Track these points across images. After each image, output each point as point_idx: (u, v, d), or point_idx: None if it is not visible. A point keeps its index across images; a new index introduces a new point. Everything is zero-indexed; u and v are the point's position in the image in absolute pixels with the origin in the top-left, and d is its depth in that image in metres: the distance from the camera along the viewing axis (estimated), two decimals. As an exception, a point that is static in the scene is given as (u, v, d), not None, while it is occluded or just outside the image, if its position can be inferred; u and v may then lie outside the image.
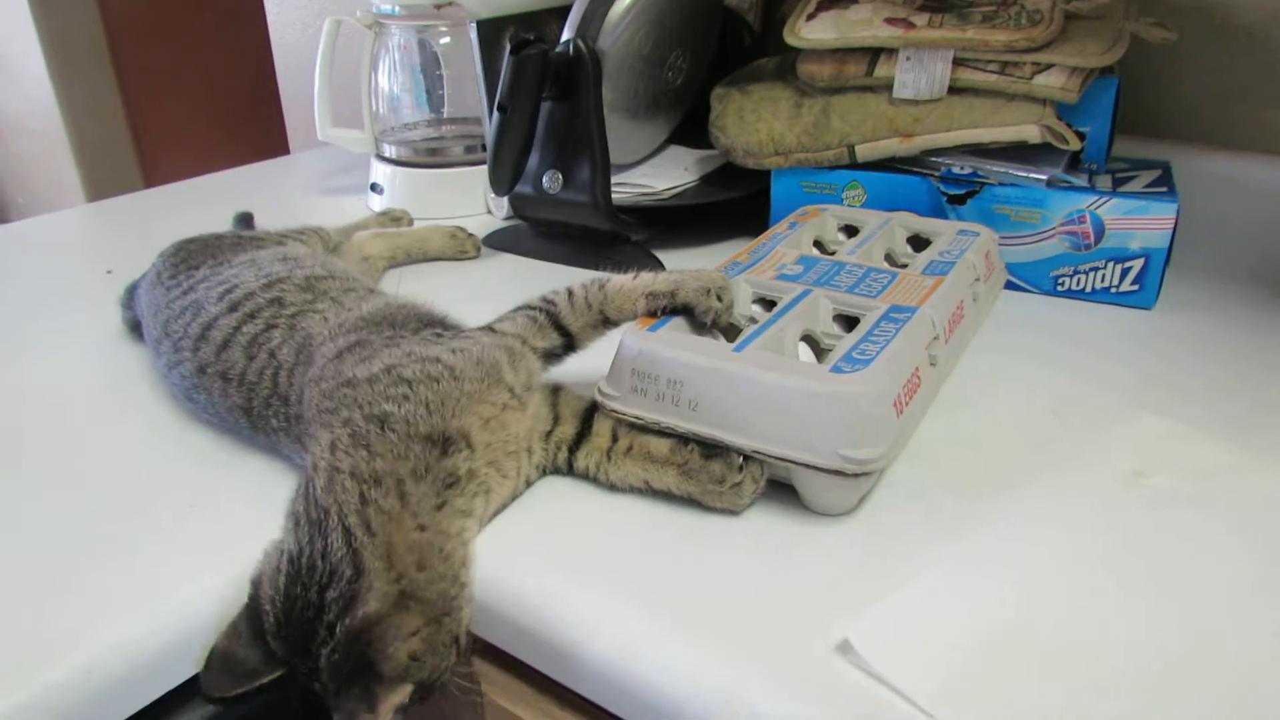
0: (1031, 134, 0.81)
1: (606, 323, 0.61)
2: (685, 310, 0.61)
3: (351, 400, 0.54)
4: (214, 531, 0.57)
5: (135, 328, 0.81)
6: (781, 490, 0.56)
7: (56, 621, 0.50)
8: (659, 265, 0.92)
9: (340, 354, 0.59)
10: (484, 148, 1.13)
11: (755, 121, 0.91)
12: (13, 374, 0.80)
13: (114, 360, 0.80)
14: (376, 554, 0.48)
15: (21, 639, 0.49)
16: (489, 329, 0.62)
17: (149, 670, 0.50)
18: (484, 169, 1.08)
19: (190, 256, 0.77)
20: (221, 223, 0.99)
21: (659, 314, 0.60)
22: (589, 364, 0.62)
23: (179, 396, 0.70)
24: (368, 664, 0.47)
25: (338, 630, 0.47)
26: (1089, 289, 0.82)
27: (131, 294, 0.83)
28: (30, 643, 0.49)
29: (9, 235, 1.20)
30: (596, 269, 0.92)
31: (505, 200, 1.01)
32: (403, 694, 0.47)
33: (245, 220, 1.02)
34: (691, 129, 1.10)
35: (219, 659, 0.50)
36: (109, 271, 0.99)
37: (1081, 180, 0.83)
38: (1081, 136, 0.82)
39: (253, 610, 0.50)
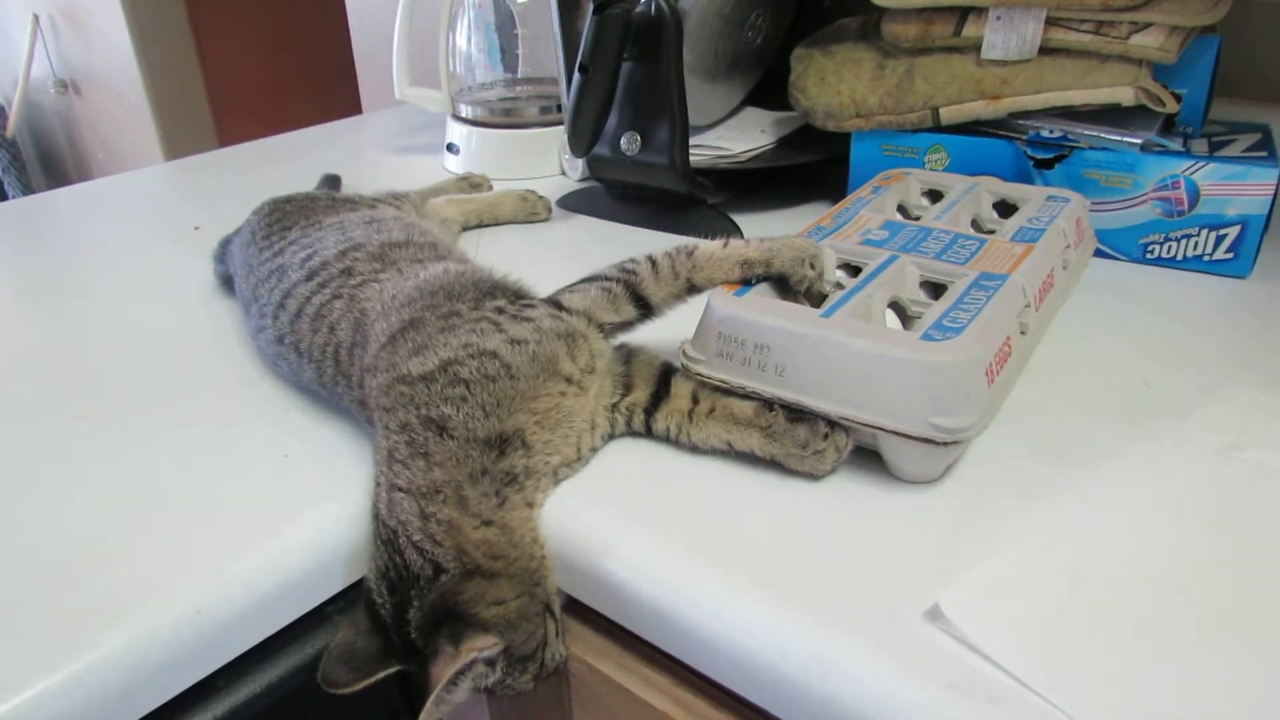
0: (1126, 96, 0.79)
1: (692, 290, 0.60)
2: (779, 279, 0.60)
3: (408, 399, 0.54)
4: (308, 479, 0.59)
5: (227, 282, 0.83)
6: (867, 456, 0.56)
7: (159, 566, 0.52)
8: (735, 229, 0.92)
9: (393, 338, 0.58)
10: (559, 108, 1.13)
11: (837, 83, 0.90)
12: (106, 327, 0.83)
13: (207, 314, 0.82)
14: (448, 557, 0.50)
15: (131, 581, 0.51)
16: (555, 303, 0.60)
17: (254, 613, 0.52)
18: (559, 130, 1.09)
19: (284, 217, 0.78)
20: (301, 181, 1.00)
21: (751, 281, 0.60)
22: (662, 323, 0.62)
23: (267, 363, 0.71)
24: (457, 616, 0.48)
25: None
26: (1180, 257, 0.80)
27: (225, 249, 0.85)
28: (138, 584, 0.51)
29: (96, 191, 1.24)
30: (671, 232, 0.93)
31: (580, 162, 1.01)
32: (487, 641, 0.48)
33: (332, 182, 1.04)
34: (768, 91, 1.09)
35: (340, 650, 0.50)
36: (196, 228, 1.02)
37: (1176, 144, 0.80)
38: (1178, 98, 0.79)
39: (369, 605, 0.51)
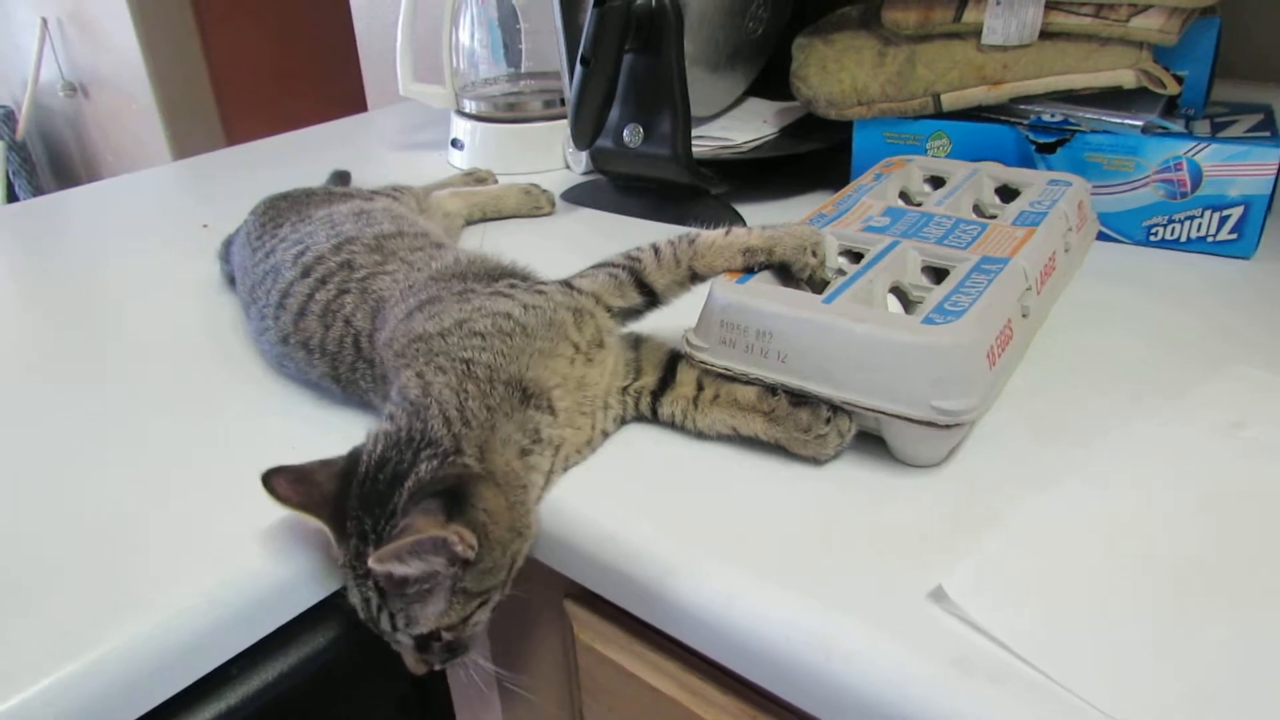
0: (1127, 79, 0.79)
1: (694, 278, 0.61)
2: (781, 267, 0.61)
3: (427, 351, 0.55)
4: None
5: (233, 280, 0.84)
6: (871, 440, 0.56)
7: (170, 558, 0.53)
8: (739, 219, 0.92)
9: (410, 313, 0.59)
10: (562, 102, 1.13)
11: (838, 71, 0.90)
12: (115, 325, 0.83)
13: (214, 311, 0.83)
14: (472, 441, 0.51)
15: (142, 572, 0.52)
16: (566, 284, 0.62)
17: (265, 603, 0.53)
18: (562, 124, 1.09)
19: (278, 214, 0.78)
20: (308, 178, 1.01)
21: (753, 269, 0.60)
22: (669, 312, 0.63)
23: (271, 364, 0.71)
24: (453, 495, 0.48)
25: (424, 472, 0.49)
26: (1184, 238, 0.80)
27: (227, 249, 0.86)
28: (150, 576, 0.52)
29: (106, 191, 1.25)
30: (675, 223, 0.93)
31: (584, 155, 1.02)
32: (470, 538, 0.48)
33: (341, 178, 1.05)
34: (770, 81, 1.09)
35: (299, 469, 0.52)
36: (205, 225, 1.02)
37: (1178, 126, 0.80)
38: (1179, 80, 0.79)
39: (350, 460, 0.52)
